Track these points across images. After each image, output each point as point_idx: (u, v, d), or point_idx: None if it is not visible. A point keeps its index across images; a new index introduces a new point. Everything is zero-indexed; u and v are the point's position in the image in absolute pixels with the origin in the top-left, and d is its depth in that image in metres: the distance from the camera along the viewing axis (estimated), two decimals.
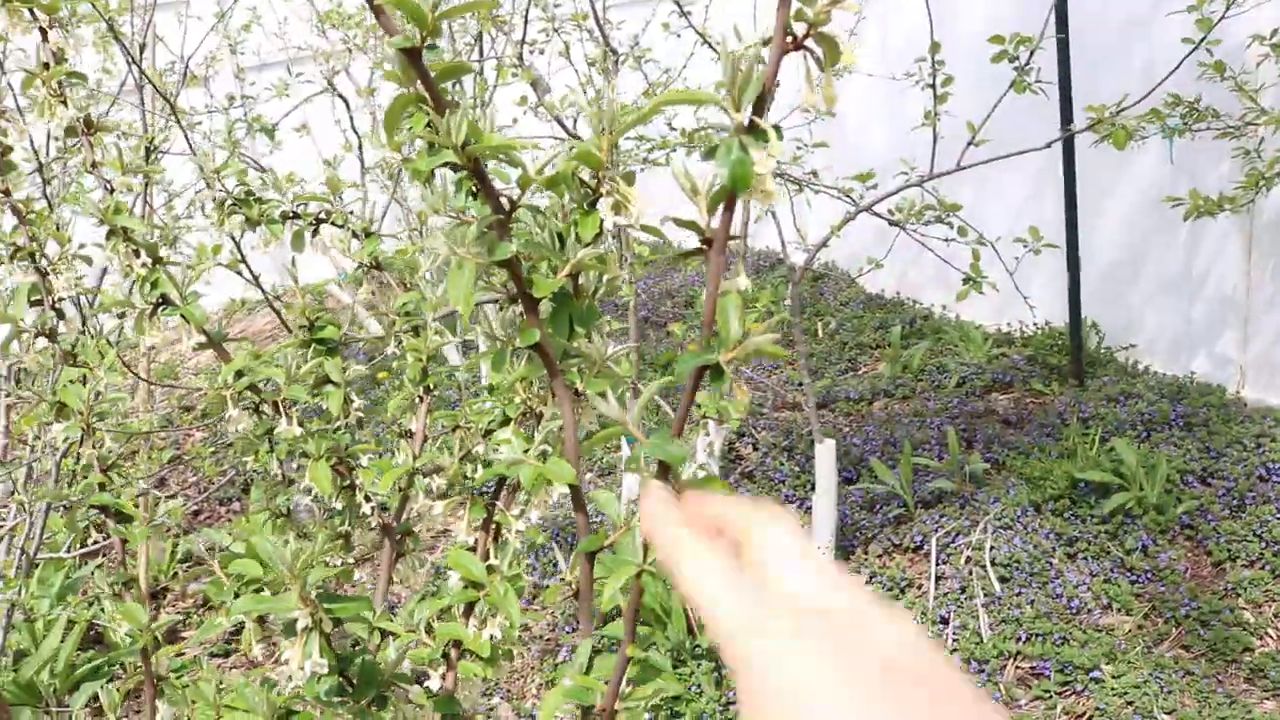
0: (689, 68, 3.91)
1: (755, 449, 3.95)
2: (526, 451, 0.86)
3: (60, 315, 1.09)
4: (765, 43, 0.62)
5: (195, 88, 4.22)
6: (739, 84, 0.60)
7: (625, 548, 0.67)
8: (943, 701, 0.35)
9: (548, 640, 3.09)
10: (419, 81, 0.76)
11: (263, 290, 2.14)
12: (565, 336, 0.83)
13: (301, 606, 0.75)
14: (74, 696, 3.19)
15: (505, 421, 0.95)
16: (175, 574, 3.80)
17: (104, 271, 2.82)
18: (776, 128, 0.60)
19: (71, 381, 1.03)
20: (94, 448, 1.04)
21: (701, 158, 0.62)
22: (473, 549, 0.95)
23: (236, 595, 1.04)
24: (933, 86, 3.05)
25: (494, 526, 0.97)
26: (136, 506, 1.08)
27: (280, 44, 4.93)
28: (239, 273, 2.16)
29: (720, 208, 0.62)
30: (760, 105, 0.61)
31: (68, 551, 3.13)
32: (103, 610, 3.35)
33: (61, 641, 3.23)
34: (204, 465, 3.91)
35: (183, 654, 3.16)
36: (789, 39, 0.62)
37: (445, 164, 0.82)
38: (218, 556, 1.08)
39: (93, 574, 3.54)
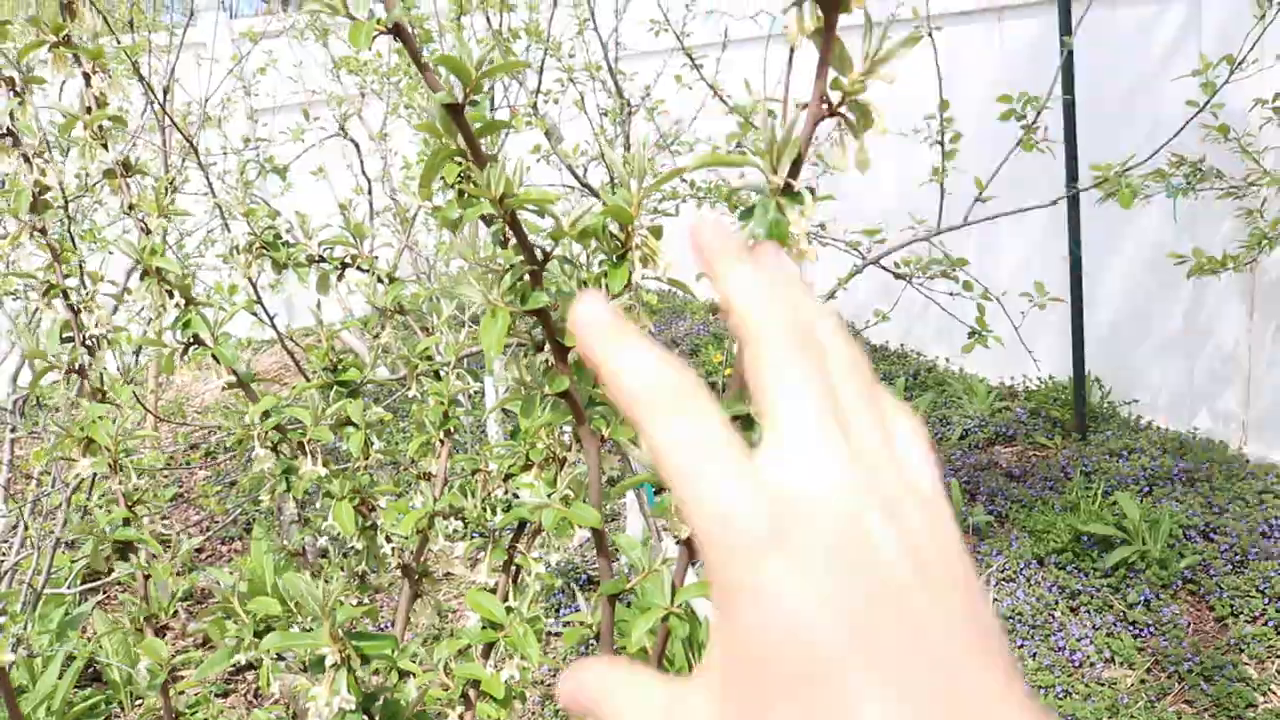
0: (700, 119, 3.97)
1: None
2: (550, 495, 0.87)
3: (90, 352, 1.12)
4: (802, 107, 0.65)
5: (211, 128, 4.29)
6: (776, 147, 0.63)
7: (651, 590, 0.69)
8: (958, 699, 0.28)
9: (549, 686, 3.08)
10: (460, 136, 0.79)
11: (277, 331, 2.17)
12: (591, 384, 0.85)
13: (331, 644, 0.76)
14: None
15: (527, 466, 0.97)
16: (175, 612, 3.79)
17: (115, 308, 2.85)
18: (810, 190, 0.62)
19: (100, 417, 1.05)
20: (120, 483, 1.06)
21: (738, 218, 0.64)
22: (492, 590, 0.96)
23: (257, 633, 1.05)
24: (941, 144, 3.10)
25: (514, 569, 0.98)
26: (161, 543, 1.09)
27: (295, 87, 4.99)
28: (254, 313, 2.18)
29: None
30: (795, 168, 0.64)
31: (69, 588, 3.13)
32: (101, 647, 3.34)
33: (59, 678, 3.22)
34: (209, 503, 3.91)
35: (183, 693, 3.15)
36: (824, 105, 0.65)
37: (480, 215, 0.85)
38: (235, 594, 1.09)
39: (92, 612, 3.54)
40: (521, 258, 0.82)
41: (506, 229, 0.83)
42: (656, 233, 0.87)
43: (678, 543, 0.66)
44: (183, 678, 3.25)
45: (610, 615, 0.83)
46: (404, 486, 1.29)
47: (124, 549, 1.20)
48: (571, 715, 0.35)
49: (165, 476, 4.50)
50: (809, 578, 0.29)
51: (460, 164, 0.85)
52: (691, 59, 3.41)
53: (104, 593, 3.68)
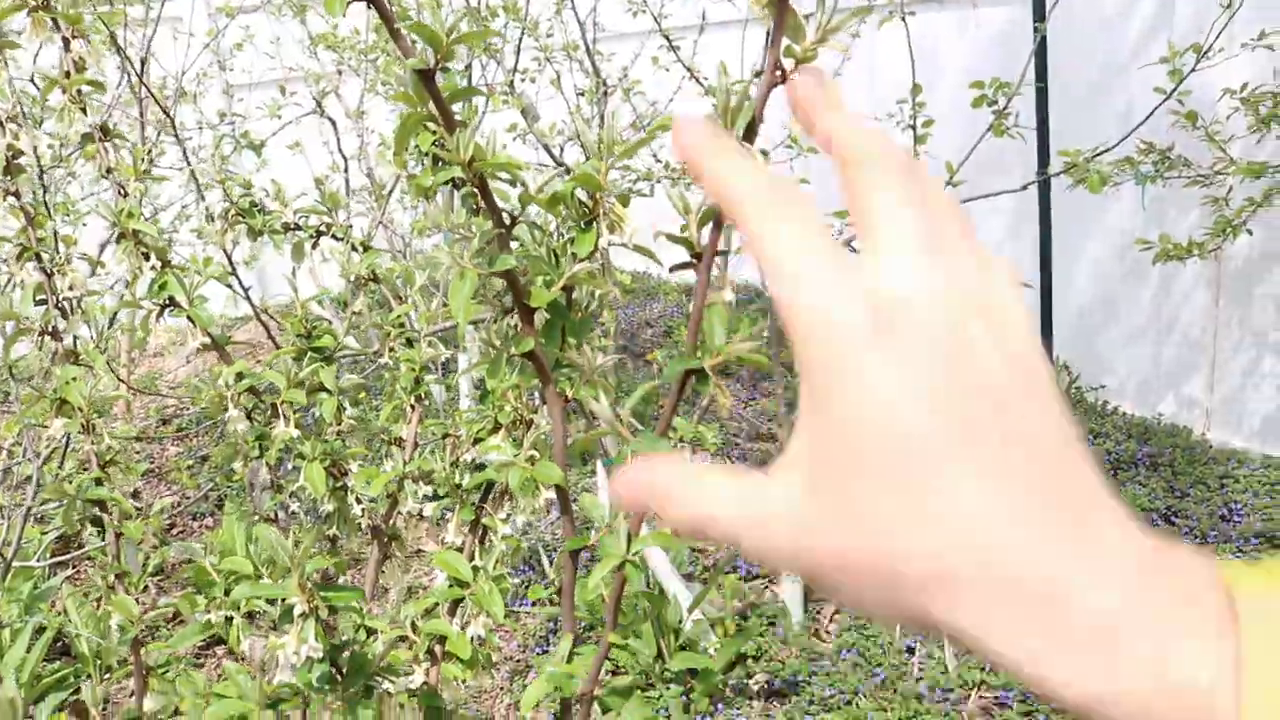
0: (676, 101, 3.99)
1: None
2: (516, 455, 0.90)
3: (64, 315, 1.13)
4: (757, 75, 0.67)
5: (187, 104, 4.27)
6: (730, 112, 0.65)
7: (609, 543, 0.71)
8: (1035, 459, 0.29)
9: (518, 661, 3.11)
10: (431, 101, 0.81)
11: (251, 303, 2.18)
12: (557, 346, 0.87)
13: (299, 593, 0.78)
14: (39, 707, 3.17)
15: (495, 428, 0.99)
16: (146, 587, 3.79)
17: (91, 272, 2.86)
18: (764, 153, 0.65)
19: (73, 379, 1.06)
20: (94, 443, 1.07)
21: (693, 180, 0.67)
22: (459, 550, 0.99)
23: (227, 592, 1.07)
24: (913, 128, 3.13)
25: (481, 530, 1.01)
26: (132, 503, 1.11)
27: (271, 63, 4.97)
28: (229, 285, 2.19)
29: (709, 225, 0.67)
30: (750, 132, 0.66)
31: (38, 560, 3.13)
32: (70, 620, 3.34)
33: (27, 651, 3.22)
34: (181, 477, 3.91)
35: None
36: (778, 73, 0.67)
37: (449, 180, 0.87)
38: (207, 555, 1.11)
39: (61, 585, 3.54)
40: (490, 223, 0.84)
41: (476, 194, 0.85)
42: (624, 200, 0.89)
43: None
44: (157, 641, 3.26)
45: (572, 571, 0.85)
46: (377, 454, 1.31)
47: (96, 517, 1.22)
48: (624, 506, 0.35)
49: (138, 452, 4.50)
50: (912, 368, 0.30)
51: (433, 132, 0.87)
52: (669, 40, 3.42)
53: (73, 567, 3.68)
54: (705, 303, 0.66)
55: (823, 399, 0.31)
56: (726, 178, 0.35)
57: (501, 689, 3.02)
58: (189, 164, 2.74)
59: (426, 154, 0.92)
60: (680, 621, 2.91)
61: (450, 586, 0.95)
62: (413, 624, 0.98)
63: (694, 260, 0.67)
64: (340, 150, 4.50)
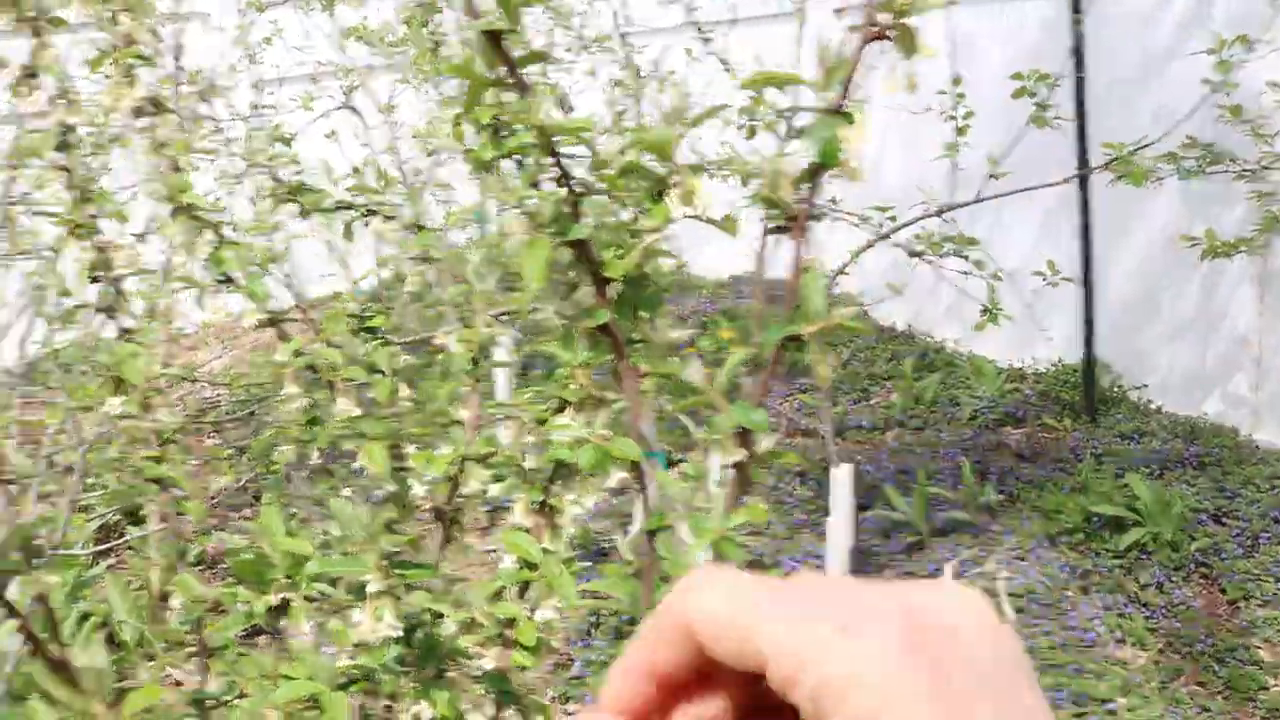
0: (707, 93, 3.96)
1: (769, 472, 3.96)
2: (590, 434, 0.87)
3: (119, 293, 1.11)
4: (853, 30, 0.65)
5: (216, 97, 4.27)
6: (828, 66, 0.62)
7: (703, 521, 0.69)
8: None
9: (561, 654, 3.09)
10: (501, 64, 0.78)
11: (294, 292, 2.16)
12: (630, 321, 0.85)
13: (375, 570, 0.76)
14: None
15: (561, 408, 0.97)
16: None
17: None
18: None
19: (132, 354, 1.05)
20: (152, 422, 1.06)
21: (787, 137, 0.64)
22: (528, 531, 0.96)
23: (289, 576, 1.05)
24: (954, 118, 3.10)
25: (549, 512, 0.98)
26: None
27: (300, 58, 4.97)
28: (270, 273, 2.18)
29: (804, 187, 0.65)
30: (846, 88, 0.63)
31: (81, 548, 3.13)
32: (114, 609, 3.34)
33: (72, 639, 3.22)
34: (222, 467, 3.92)
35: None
36: (873, 27, 0.65)
37: (512, 151, 0.85)
38: (252, 543, 1.09)
39: (105, 574, 3.55)
40: (564, 191, 0.81)
41: (540, 165, 0.83)
42: (696, 171, 0.86)
43: (726, 468, 0.66)
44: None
45: (651, 552, 0.83)
46: (431, 438, 1.28)
47: (136, 506, 1.20)
48: None
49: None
50: None
51: (494, 105, 0.85)
52: (701, 31, 3.41)
53: (115, 556, 3.69)
54: (801, 267, 0.63)
55: None
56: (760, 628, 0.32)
57: (545, 681, 3.00)
58: (226, 151, 2.73)
59: (486, 127, 0.90)
60: None
61: (520, 569, 0.93)
62: (480, 610, 0.96)
63: (789, 222, 0.64)
64: (370, 145, 4.49)
